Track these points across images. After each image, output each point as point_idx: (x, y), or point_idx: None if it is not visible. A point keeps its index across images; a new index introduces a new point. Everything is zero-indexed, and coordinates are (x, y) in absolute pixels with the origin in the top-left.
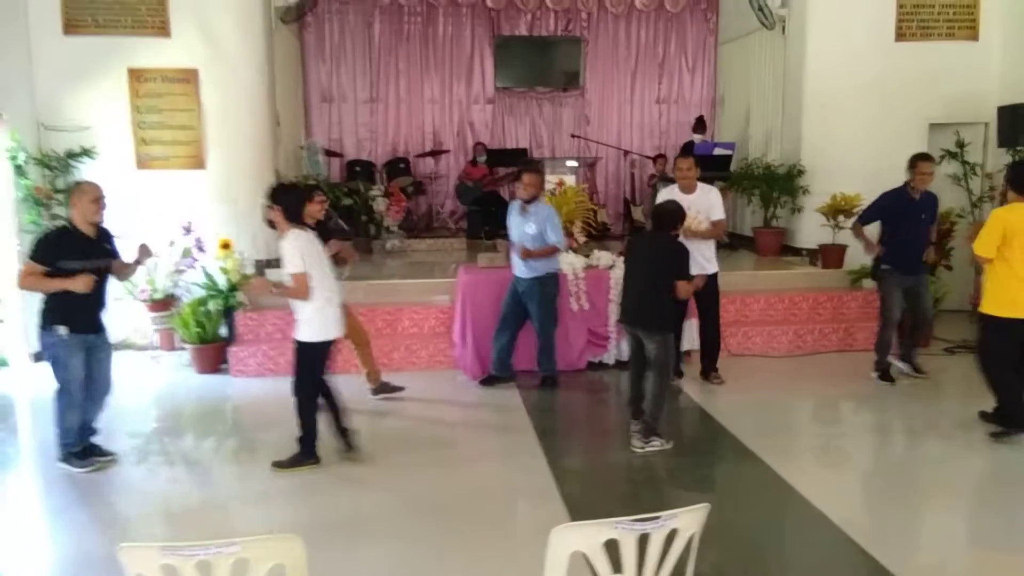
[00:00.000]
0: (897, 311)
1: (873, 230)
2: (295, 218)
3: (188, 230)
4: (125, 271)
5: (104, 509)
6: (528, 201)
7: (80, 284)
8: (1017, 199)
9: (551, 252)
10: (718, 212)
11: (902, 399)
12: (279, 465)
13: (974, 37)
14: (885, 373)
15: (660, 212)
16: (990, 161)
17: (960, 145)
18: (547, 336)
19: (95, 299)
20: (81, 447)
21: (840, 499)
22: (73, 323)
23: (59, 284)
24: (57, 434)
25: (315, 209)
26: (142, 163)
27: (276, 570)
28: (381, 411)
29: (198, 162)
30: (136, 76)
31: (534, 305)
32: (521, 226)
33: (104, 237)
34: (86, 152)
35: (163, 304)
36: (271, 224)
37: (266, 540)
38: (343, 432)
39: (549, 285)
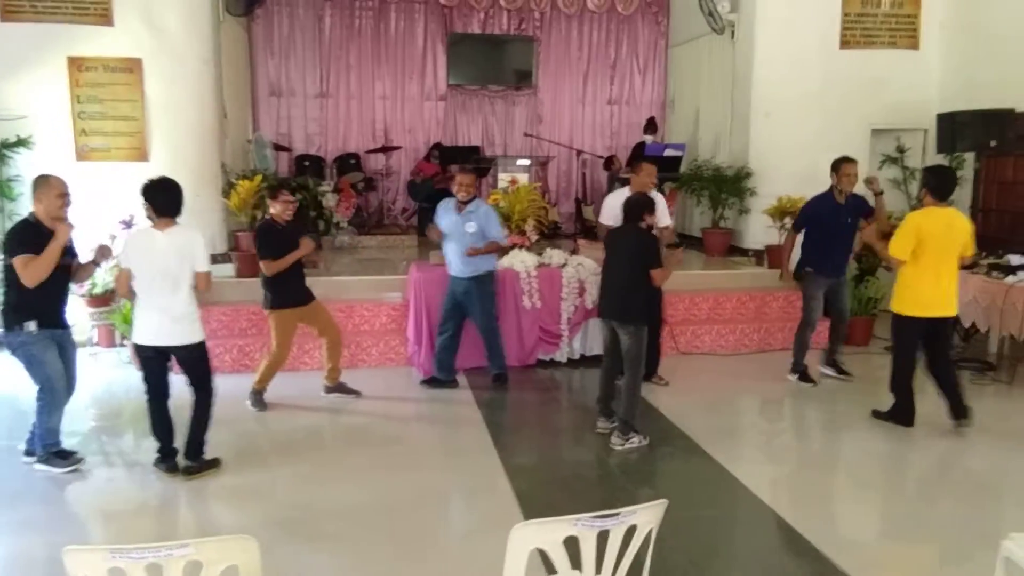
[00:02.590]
0: (817, 313)
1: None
2: (160, 213)
3: (129, 224)
4: (83, 272)
5: (45, 509)
6: (465, 201)
7: (62, 233)
8: (933, 203)
9: (496, 248)
10: (666, 219)
11: (839, 396)
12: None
13: (915, 46)
14: (804, 374)
15: (629, 204)
16: (928, 166)
17: (900, 150)
18: (491, 335)
19: (60, 294)
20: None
21: (781, 490)
22: (41, 318)
23: (54, 248)
24: (39, 434)
25: (279, 209)
26: (82, 154)
27: (229, 572)
28: (334, 408)
29: (141, 154)
30: (76, 65)
31: (475, 305)
32: (460, 226)
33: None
34: (22, 142)
35: (103, 300)
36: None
37: (219, 541)
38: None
39: (487, 283)
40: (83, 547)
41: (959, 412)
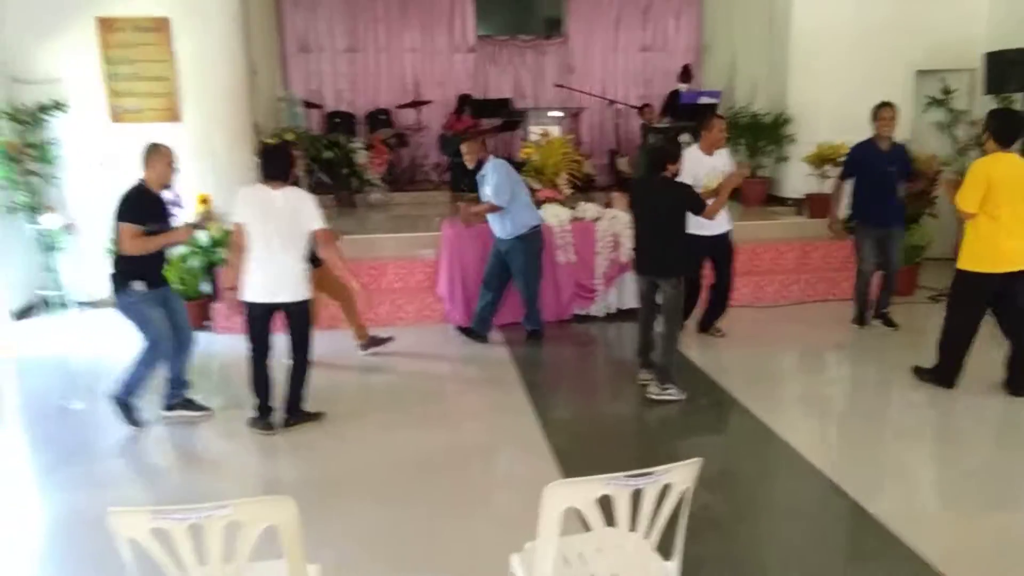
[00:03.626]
0: (867, 264)
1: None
2: (276, 177)
3: (167, 186)
4: (173, 234)
5: (93, 468)
6: (476, 167)
7: (181, 235)
8: (998, 150)
9: (487, 209)
10: (728, 166)
11: (882, 348)
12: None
13: None
14: (858, 317)
15: (651, 154)
16: (976, 108)
17: (946, 92)
18: (531, 295)
19: (161, 254)
20: (179, 399)
21: (821, 445)
22: (146, 278)
23: (163, 241)
24: (127, 381)
25: None
26: (116, 116)
27: (269, 532)
28: (369, 367)
29: (173, 115)
30: (106, 26)
31: (517, 264)
32: (482, 191)
33: (163, 200)
34: (58, 105)
35: None
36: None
37: (258, 502)
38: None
39: (531, 242)
40: (127, 508)
41: (1018, 385)
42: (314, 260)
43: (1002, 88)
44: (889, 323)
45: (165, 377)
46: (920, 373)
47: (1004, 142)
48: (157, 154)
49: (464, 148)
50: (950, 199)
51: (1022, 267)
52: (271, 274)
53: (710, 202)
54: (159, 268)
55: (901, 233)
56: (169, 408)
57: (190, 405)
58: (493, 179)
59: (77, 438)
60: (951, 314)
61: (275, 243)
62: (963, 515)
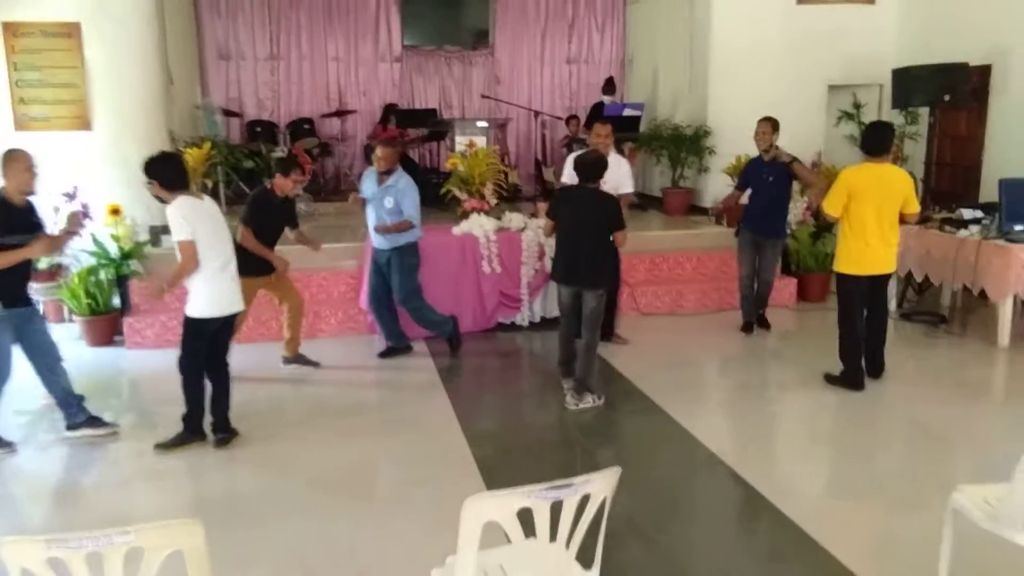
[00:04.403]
0: (743, 267)
1: None
2: (176, 186)
3: (71, 196)
4: (58, 242)
5: None
6: (385, 173)
7: (41, 249)
8: (866, 160)
9: (406, 227)
10: (628, 186)
11: (796, 353)
12: (163, 447)
13: (871, 1)
14: (746, 324)
15: (583, 163)
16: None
17: (856, 106)
18: (413, 307)
19: (25, 272)
20: (83, 418)
21: (737, 446)
22: (5, 298)
23: (20, 255)
24: None
25: (286, 185)
26: (21, 124)
27: (174, 557)
28: (293, 379)
29: (83, 123)
30: (11, 31)
31: (395, 276)
32: (379, 198)
33: (31, 209)
34: None
35: (49, 275)
36: (161, 200)
37: (162, 527)
38: (219, 419)
39: (408, 255)
40: (19, 538)
41: (872, 369)
42: (268, 267)
43: (907, 102)
44: (764, 324)
45: (54, 399)
46: (830, 379)
47: (868, 151)
48: (13, 160)
49: (381, 152)
50: (818, 204)
51: (885, 271)
52: (230, 285)
53: None
54: (20, 287)
55: (776, 243)
56: (71, 428)
57: (95, 423)
58: (411, 195)
59: None
60: (839, 319)
61: (227, 252)
62: (874, 514)
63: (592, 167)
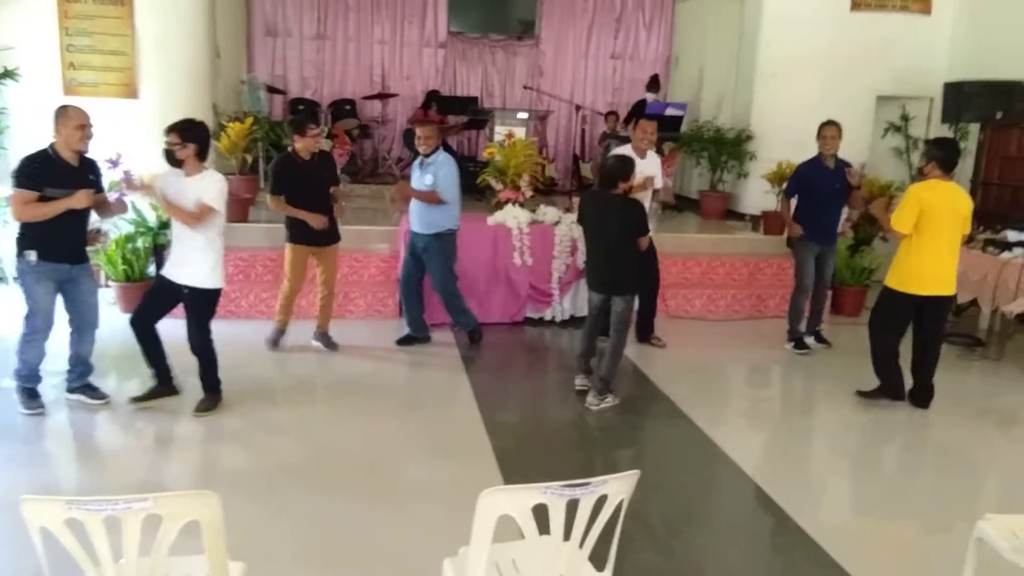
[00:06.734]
0: (810, 279)
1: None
2: (205, 155)
3: (115, 163)
4: (107, 209)
5: (20, 449)
6: (427, 155)
7: (79, 200)
8: (938, 176)
9: (432, 197)
10: (659, 182)
11: (827, 366)
12: (203, 410)
13: (927, 10)
14: (799, 342)
15: (606, 170)
16: (931, 135)
17: (905, 119)
18: (449, 293)
19: (72, 228)
20: (80, 384)
21: (760, 458)
22: (45, 250)
23: (59, 207)
24: (16, 365)
25: (308, 143)
26: (69, 88)
27: (191, 527)
28: (320, 360)
29: (130, 91)
30: None
31: (433, 263)
32: (420, 180)
33: (88, 167)
34: (8, 74)
35: (90, 239)
36: (173, 160)
37: (180, 496)
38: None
39: (447, 242)
40: (40, 497)
41: (921, 398)
42: (325, 239)
43: (958, 118)
44: (821, 340)
45: (69, 356)
46: (865, 395)
47: (946, 169)
48: (65, 117)
49: (423, 131)
50: (882, 222)
51: (942, 292)
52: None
53: None
54: (62, 241)
55: (835, 250)
56: (70, 391)
57: (87, 390)
58: (444, 170)
59: (4, 418)
60: (873, 330)
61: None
62: (895, 537)
63: (613, 174)
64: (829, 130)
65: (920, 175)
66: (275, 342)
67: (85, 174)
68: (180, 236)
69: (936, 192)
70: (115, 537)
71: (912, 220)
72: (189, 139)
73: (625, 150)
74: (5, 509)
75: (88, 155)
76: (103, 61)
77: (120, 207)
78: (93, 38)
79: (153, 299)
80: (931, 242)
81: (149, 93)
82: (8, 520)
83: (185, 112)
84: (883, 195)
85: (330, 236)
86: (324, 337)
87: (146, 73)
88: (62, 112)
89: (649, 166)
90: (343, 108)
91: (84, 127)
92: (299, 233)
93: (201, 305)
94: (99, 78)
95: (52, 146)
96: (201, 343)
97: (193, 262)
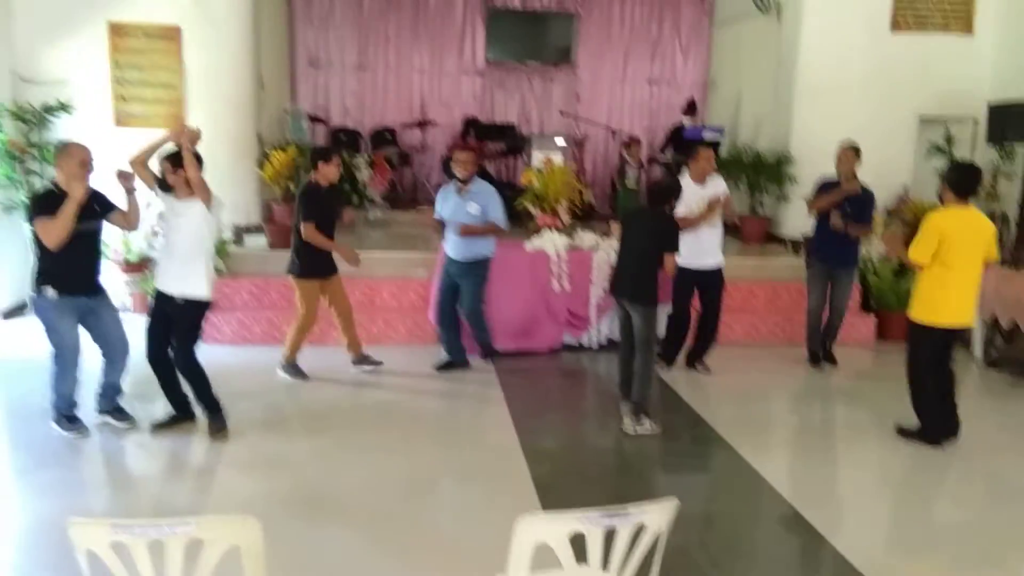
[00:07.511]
0: (812, 300)
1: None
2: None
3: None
4: (127, 218)
5: (68, 473)
6: (465, 181)
7: (76, 190)
8: (953, 202)
9: (492, 230)
10: (723, 187)
11: (871, 394)
12: (216, 431)
13: (969, 30)
14: (813, 356)
15: (654, 187)
16: (977, 158)
17: (948, 141)
18: (475, 317)
19: (86, 261)
20: (110, 407)
21: (803, 487)
22: (62, 285)
23: (68, 208)
24: (51, 398)
25: (331, 172)
26: (121, 120)
27: (231, 552)
28: (359, 383)
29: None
30: (117, 31)
31: (470, 286)
32: (461, 207)
33: (92, 199)
34: (63, 107)
35: (137, 266)
36: (165, 188)
37: (221, 521)
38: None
39: (483, 268)
40: (87, 520)
41: (950, 429)
42: (332, 269)
43: (1004, 138)
44: (831, 360)
45: (100, 381)
46: (905, 434)
47: (960, 194)
48: (67, 155)
49: (462, 156)
50: (894, 251)
51: (964, 323)
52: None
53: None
54: (80, 275)
55: (850, 274)
56: (100, 412)
57: (116, 413)
58: (493, 200)
59: (56, 442)
60: (911, 369)
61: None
62: (944, 570)
63: (665, 193)
64: (845, 152)
65: (941, 201)
66: (298, 370)
67: (91, 206)
68: (177, 249)
69: (953, 219)
70: (157, 560)
71: (931, 250)
72: (179, 166)
73: (684, 182)
74: (56, 532)
75: (93, 188)
76: (153, 93)
77: (125, 179)
78: (143, 71)
79: (156, 329)
80: (962, 272)
81: (196, 124)
82: (57, 543)
83: (230, 143)
84: (911, 221)
85: (333, 267)
86: (363, 359)
87: (194, 104)
88: (64, 149)
89: (713, 189)
90: (384, 136)
91: (86, 164)
92: (314, 267)
93: (192, 318)
94: (149, 110)
95: (54, 183)
96: (187, 363)
97: (194, 273)
